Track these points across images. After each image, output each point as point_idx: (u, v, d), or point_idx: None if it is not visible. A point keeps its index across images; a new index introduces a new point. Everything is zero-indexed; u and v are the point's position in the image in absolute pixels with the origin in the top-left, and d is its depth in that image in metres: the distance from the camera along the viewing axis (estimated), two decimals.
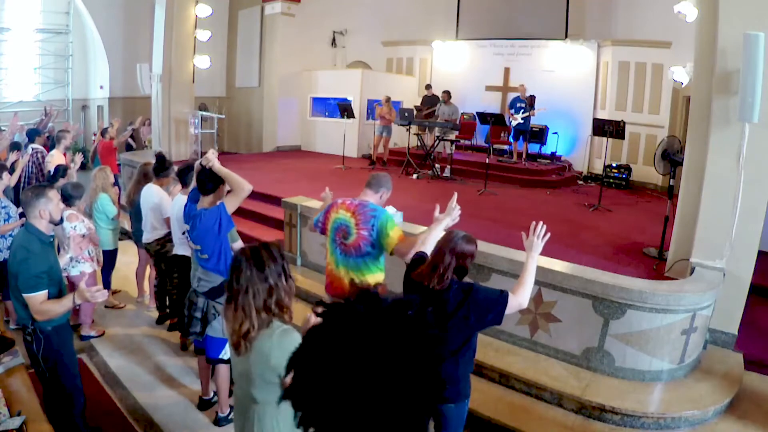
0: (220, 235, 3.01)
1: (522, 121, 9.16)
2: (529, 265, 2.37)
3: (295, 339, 1.80)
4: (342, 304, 0.79)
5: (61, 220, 2.98)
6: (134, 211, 4.78)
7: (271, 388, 1.82)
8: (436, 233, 2.66)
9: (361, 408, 0.69)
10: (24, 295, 2.54)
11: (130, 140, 9.72)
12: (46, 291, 2.58)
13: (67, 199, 4.05)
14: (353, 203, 2.98)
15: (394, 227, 2.85)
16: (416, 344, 0.74)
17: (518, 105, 9.21)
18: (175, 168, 4.19)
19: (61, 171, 4.94)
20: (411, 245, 2.75)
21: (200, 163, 3.08)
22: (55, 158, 6.07)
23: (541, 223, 2.42)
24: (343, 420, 0.70)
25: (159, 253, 4.35)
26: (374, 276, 2.96)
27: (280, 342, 1.79)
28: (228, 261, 3.16)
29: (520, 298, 2.27)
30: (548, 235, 2.42)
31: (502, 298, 2.22)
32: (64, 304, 2.61)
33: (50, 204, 2.69)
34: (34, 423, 2.25)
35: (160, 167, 4.40)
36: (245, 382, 1.89)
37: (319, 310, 0.79)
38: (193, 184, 3.20)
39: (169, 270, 4.27)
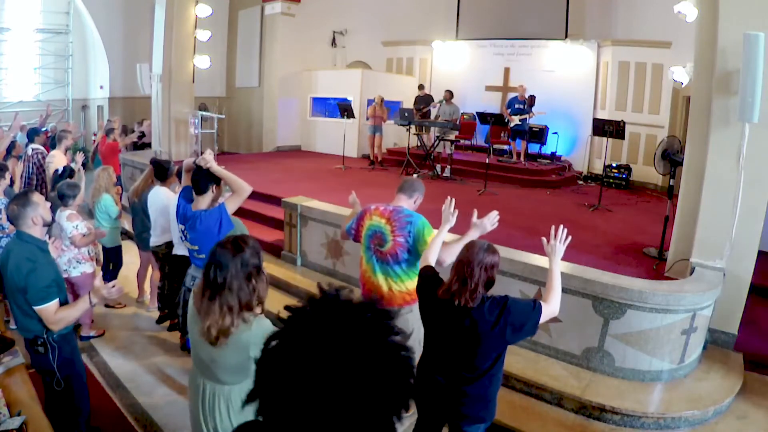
0: (219, 235, 3.01)
1: (519, 123, 9.16)
2: (554, 271, 2.35)
3: (269, 326, 1.87)
4: (302, 309, 0.79)
5: (53, 219, 2.95)
6: (137, 212, 4.76)
7: (243, 373, 1.92)
8: (439, 239, 2.63)
9: (320, 412, 0.70)
10: (36, 307, 2.45)
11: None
12: (58, 299, 2.51)
13: (63, 198, 4.05)
14: (387, 209, 2.94)
15: (431, 233, 2.81)
16: (376, 348, 0.74)
17: (516, 106, 9.21)
18: (175, 167, 4.18)
19: (68, 171, 4.93)
20: (449, 251, 2.69)
21: (195, 162, 3.07)
22: (56, 158, 6.07)
23: (561, 226, 2.40)
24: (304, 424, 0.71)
25: (168, 256, 4.32)
26: (413, 282, 2.91)
27: (258, 332, 1.86)
28: None
29: (552, 306, 2.26)
30: (569, 238, 2.41)
31: (536, 308, 2.19)
32: (80, 308, 2.54)
33: (38, 208, 2.61)
34: (34, 423, 2.24)
35: (161, 173, 4.37)
36: (213, 367, 1.95)
37: (284, 315, 0.81)
38: (188, 182, 3.20)
39: (171, 272, 4.25)
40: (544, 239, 2.45)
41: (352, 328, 0.75)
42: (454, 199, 2.76)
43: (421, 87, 11.03)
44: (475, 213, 2.73)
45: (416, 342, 3.00)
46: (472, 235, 2.71)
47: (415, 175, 8.71)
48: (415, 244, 2.82)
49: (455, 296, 2.13)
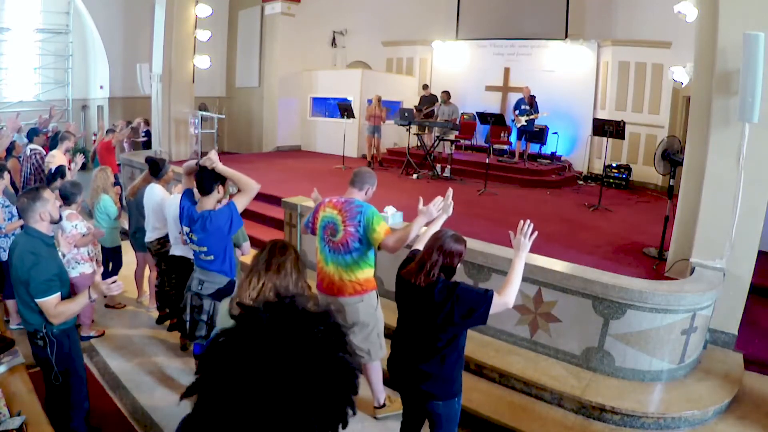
0: (229, 235, 3.02)
1: (526, 124, 9.18)
2: (516, 265, 2.36)
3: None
4: (253, 309, 0.80)
5: (60, 218, 2.98)
6: (132, 210, 4.75)
7: None
8: (433, 229, 2.69)
9: (253, 413, 0.71)
10: (37, 300, 2.50)
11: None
12: (59, 293, 2.56)
13: (66, 198, 4.05)
14: (339, 201, 3.02)
15: (380, 222, 2.89)
16: (320, 362, 0.75)
17: (523, 107, 9.22)
18: (170, 166, 4.19)
19: (60, 172, 4.93)
20: (398, 240, 2.80)
21: (197, 163, 3.08)
22: (56, 158, 6.06)
23: (528, 221, 2.42)
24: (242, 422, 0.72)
25: (160, 252, 4.35)
26: (363, 272, 2.98)
27: None
28: (232, 261, 3.15)
29: (505, 298, 2.24)
30: (536, 233, 2.42)
31: (486, 297, 2.20)
32: (80, 302, 2.59)
33: (47, 204, 2.67)
34: (34, 423, 2.24)
35: (155, 170, 4.39)
36: None
37: (236, 312, 0.81)
38: (190, 184, 3.20)
39: (168, 270, 4.27)
40: (511, 233, 2.48)
41: (299, 339, 0.75)
42: (452, 190, 2.83)
43: (425, 87, 10.99)
44: (421, 201, 2.84)
45: (375, 334, 3.06)
46: (420, 221, 2.79)
47: (415, 176, 8.71)
48: (365, 233, 2.88)
49: (412, 276, 2.26)
